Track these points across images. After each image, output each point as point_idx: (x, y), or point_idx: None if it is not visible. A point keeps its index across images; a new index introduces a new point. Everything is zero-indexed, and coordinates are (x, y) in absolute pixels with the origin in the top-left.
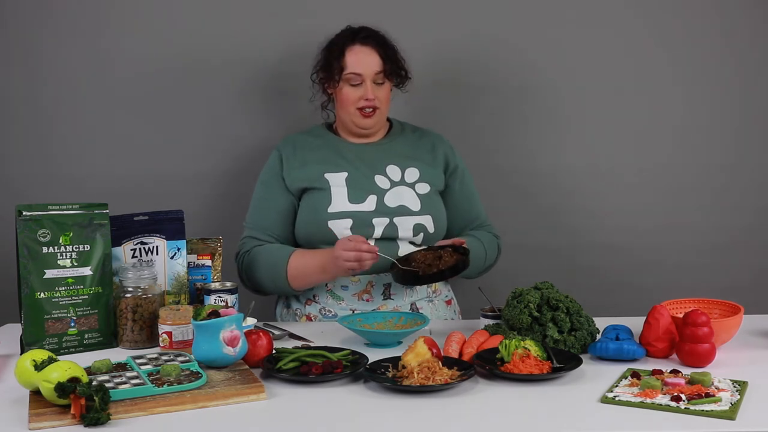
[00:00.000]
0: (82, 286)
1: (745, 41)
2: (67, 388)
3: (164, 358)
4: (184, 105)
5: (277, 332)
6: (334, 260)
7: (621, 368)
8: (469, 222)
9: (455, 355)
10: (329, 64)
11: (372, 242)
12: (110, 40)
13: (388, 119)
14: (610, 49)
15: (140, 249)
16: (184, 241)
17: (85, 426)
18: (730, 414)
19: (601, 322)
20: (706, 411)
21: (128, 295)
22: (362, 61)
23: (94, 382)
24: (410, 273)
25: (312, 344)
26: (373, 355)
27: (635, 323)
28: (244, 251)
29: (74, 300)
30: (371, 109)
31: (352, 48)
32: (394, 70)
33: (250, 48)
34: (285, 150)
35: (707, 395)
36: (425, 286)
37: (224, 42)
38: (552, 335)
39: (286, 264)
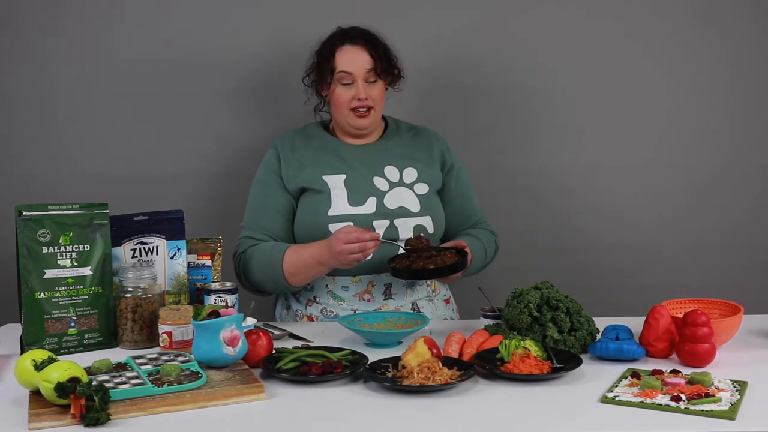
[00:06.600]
0: (82, 286)
1: (745, 43)
2: (67, 388)
3: (164, 358)
4: (184, 105)
5: (277, 332)
6: (335, 256)
7: (621, 368)
8: (466, 219)
9: (455, 355)
10: (320, 66)
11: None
12: (110, 40)
13: (384, 118)
14: (612, 49)
15: (140, 249)
16: (184, 241)
17: (85, 426)
18: (729, 414)
19: (601, 322)
20: (706, 411)
21: (128, 295)
22: (352, 60)
23: (94, 382)
24: (408, 267)
25: (312, 344)
26: (373, 355)
27: (635, 323)
28: (240, 252)
29: (74, 300)
30: (365, 109)
31: (342, 48)
32: (386, 68)
33: (251, 48)
34: (283, 149)
35: (707, 395)
36: (426, 285)
37: (226, 43)
38: (552, 335)
39: (281, 261)
